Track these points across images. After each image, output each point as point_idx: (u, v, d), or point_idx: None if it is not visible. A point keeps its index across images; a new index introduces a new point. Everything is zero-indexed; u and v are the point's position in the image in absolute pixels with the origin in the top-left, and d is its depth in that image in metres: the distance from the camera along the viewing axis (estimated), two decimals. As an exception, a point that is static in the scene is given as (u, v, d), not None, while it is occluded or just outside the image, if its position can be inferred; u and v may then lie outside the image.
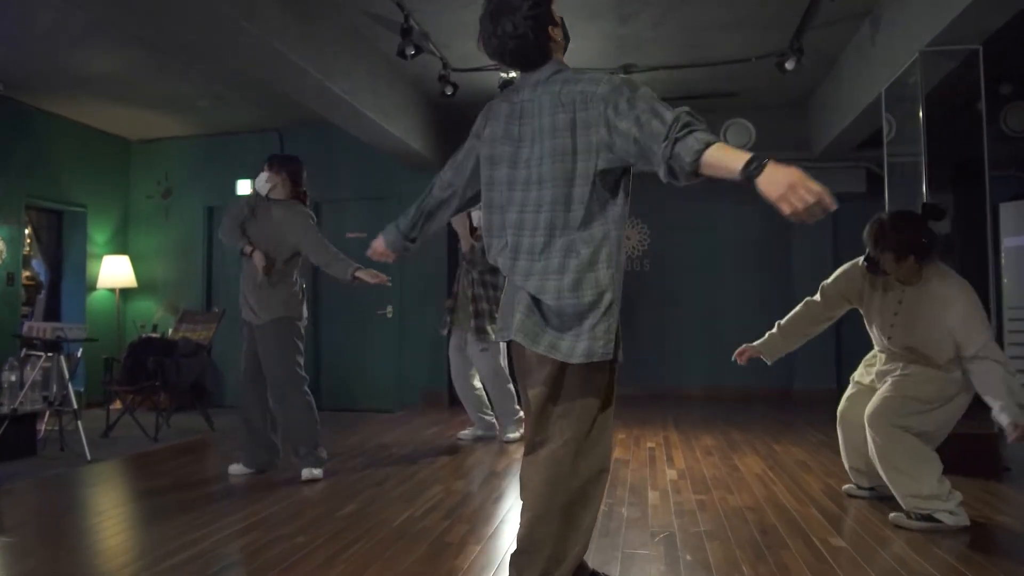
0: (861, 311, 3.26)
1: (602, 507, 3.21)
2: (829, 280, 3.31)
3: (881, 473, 3.01)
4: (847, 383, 3.46)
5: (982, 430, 3.95)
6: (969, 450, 3.88)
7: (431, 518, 3.10)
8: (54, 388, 4.82)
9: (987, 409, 3.92)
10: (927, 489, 2.90)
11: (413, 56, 4.77)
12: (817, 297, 3.33)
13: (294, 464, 3.92)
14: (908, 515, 2.95)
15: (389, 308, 6.89)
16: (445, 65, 5.50)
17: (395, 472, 4.01)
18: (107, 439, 5.29)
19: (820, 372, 6.99)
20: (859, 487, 3.42)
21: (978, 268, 6.83)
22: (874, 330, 3.22)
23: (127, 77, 5.71)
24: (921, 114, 4.11)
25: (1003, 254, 6.65)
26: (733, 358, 3.33)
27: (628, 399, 7.14)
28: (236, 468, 4.01)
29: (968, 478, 3.69)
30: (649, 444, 4.78)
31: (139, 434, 5.30)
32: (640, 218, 7.64)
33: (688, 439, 4.96)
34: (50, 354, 4.73)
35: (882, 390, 3.07)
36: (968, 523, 2.89)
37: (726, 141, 5.93)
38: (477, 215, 4.83)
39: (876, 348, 3.29)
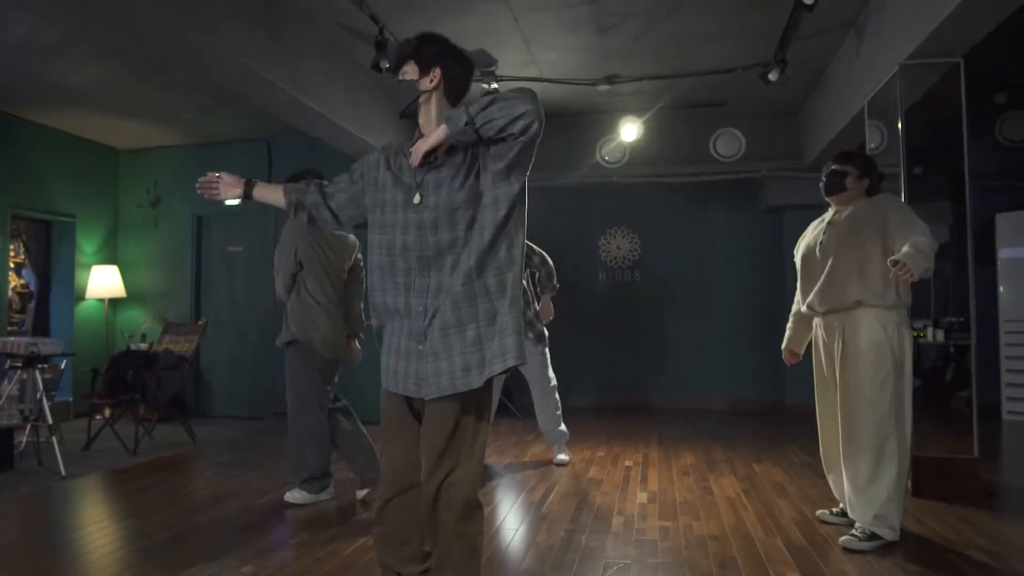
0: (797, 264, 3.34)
1: (562, 534, 3.17)
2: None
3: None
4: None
5: (963, 455, 3.85)
6: (949, 474, 3.79)
7: (385, 546, 3.04)
8: (30, 402, 4.81)
9: (968, 434, 3.87)
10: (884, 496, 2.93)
11: (388, 69, 4.72)
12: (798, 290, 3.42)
13: (253, 487, 3.88)
14: (858, 536, 2.98)
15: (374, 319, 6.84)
16: (426, 76, 5.44)
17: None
18: (88, 452, 5.28)
19: (812, 385, 6.86)
20: (832, 512, 3.35)
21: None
22: (801, 265, 3.30)
23: (108, 88, 5.69)
24: (900, 126, 4.02)
25: (999, 265, 6.52)
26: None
27: (615, 411, 7.07)
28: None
29: (948, 503, 3.61)
30: (627, 463, 4.70)
31: (120, 446, 5.28)
32: (631, 228, 7.56)
33: (668, 457, 4.88)
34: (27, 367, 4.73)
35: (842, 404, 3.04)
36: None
37: (716, 150, 5.82)
38: None
39: (800, 305, 3.32)
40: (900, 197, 4.09)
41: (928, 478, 3.79)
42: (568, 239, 7.55)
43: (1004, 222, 6.49)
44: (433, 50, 2.06)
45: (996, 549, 2.95)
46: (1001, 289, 6.53)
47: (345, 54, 5.12)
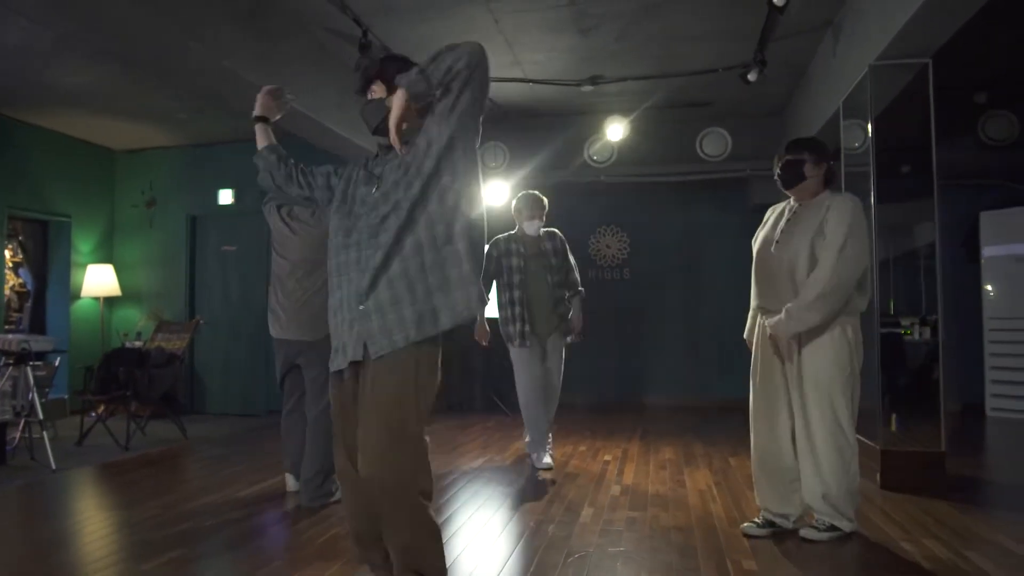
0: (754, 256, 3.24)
1: (531, 524, 3.25)
2: None
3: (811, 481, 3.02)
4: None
5: (928, 448, 3.92)
6: (917, 468, 3.86)
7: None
8: (22, 398, 4.91)
9: (936, 425, 3.93)
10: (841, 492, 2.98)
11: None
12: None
13: (240, 480, 3.97)
14: (817, 527, 3.01)
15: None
16: (412, 78, 5.53)
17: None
18: (81, 447, 5.38)
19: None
20: (756, 524, 3.13)
21: (955, 277, 6.77)
22: (756, 264, 3.19)
23: (103, 91, 5.80)
24: (870, 127, 4.08)
25: (983, 263, 6.57)
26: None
27: (603, 409, 7.15)
28: None
29: (914, 496, 3.67)
30: (606, 457, 4.78)
31: (113, 442, 5.38)
32: (620, 226, 7.64)
33: (647, 452, 4.96)
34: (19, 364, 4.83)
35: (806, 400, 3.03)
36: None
37: (702, 150, 5.87)
38: (535, 224, 4.59)
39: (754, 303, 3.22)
40: (868, 198, 4.15)
41: (896, 471, 3.86)
42: (558, 238, 7.63)
43: (988, 220, 6.55)
44: (397, 69, 2.14)
45: (952, 539, 3.01)
46: (985, 287, 6.58)
47: (332, 57, 5.21)
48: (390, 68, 2.16)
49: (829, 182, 3.10)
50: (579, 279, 4.71)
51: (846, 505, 2.99)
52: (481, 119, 2.13)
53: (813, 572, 2.68)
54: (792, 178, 3.07)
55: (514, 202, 4.68)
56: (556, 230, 4.77)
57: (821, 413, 2.97)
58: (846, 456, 2.98)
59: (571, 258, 4.72)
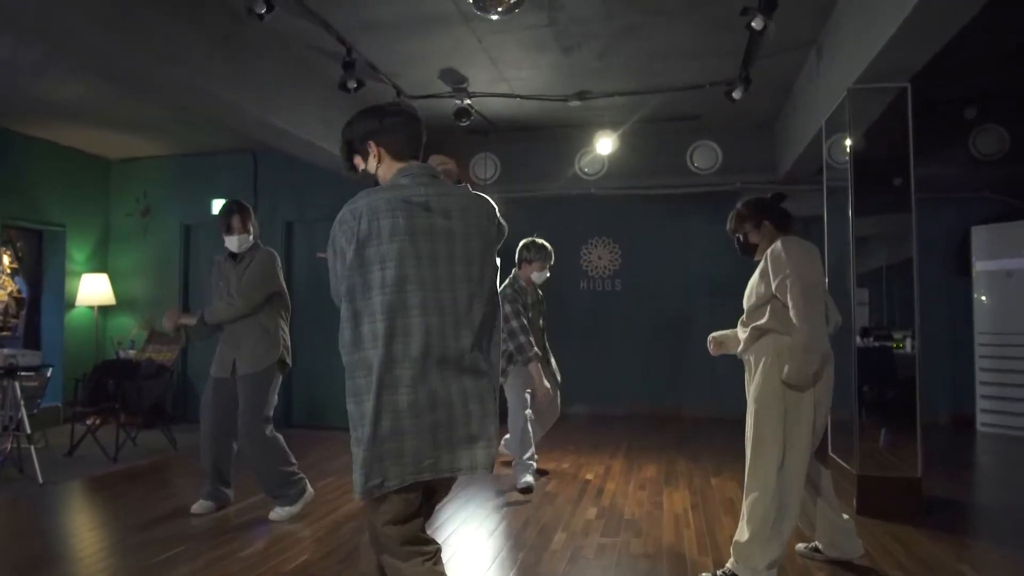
0: None
1: (503, 551, 3.27)
2: None
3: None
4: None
5: (903, 473, 3.92)
6: (892, 493, 3.86)
7: (326, 563, 3.15)
8: (10, 411, 4.97)
9: (913, 450, 3.93)
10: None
11: (356, 89, 4.83)
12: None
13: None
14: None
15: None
16: (399, 93, 5.56)
17: (320, 506, 4.07)
18: (71, 458, 5.43)
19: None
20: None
21: (946, 291, 6.75)
22: None
23: (94, 102, 5.83)
24: (848, 147, 4.08)
25: (974, 277, 6.55)
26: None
27: (593, 420, 7.15)
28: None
29: (887, 522, 3.68)
30: (588, 475, 4.79)
31: (102, 454, 5.42)
32: (611, 237, 7.64)
33: (631, 468, 4.97)
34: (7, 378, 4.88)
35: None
36: None
37: (692, 163, 5.85)
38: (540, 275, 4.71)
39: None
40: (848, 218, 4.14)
41: (872, 497, 3.86)
42: (550, 248, 7.62)
43: (979, 235, 6.52)
44: (361, 134, 2.05)
45: (914, 567, 3.02)
46: (984, 299, 6.54)
47: (315, 73, 5.23)
48: (354, 138, 2.06)
49: (781, 228, 3.05)
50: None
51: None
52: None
53: (774, 606, 2.68)
54: (747, 250, 3.14)
55: (528, 250, 4.67)
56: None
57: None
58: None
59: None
